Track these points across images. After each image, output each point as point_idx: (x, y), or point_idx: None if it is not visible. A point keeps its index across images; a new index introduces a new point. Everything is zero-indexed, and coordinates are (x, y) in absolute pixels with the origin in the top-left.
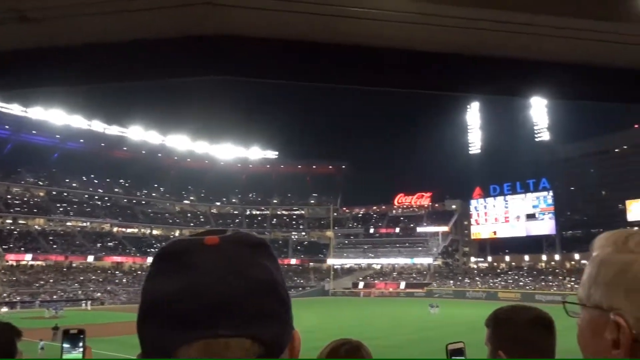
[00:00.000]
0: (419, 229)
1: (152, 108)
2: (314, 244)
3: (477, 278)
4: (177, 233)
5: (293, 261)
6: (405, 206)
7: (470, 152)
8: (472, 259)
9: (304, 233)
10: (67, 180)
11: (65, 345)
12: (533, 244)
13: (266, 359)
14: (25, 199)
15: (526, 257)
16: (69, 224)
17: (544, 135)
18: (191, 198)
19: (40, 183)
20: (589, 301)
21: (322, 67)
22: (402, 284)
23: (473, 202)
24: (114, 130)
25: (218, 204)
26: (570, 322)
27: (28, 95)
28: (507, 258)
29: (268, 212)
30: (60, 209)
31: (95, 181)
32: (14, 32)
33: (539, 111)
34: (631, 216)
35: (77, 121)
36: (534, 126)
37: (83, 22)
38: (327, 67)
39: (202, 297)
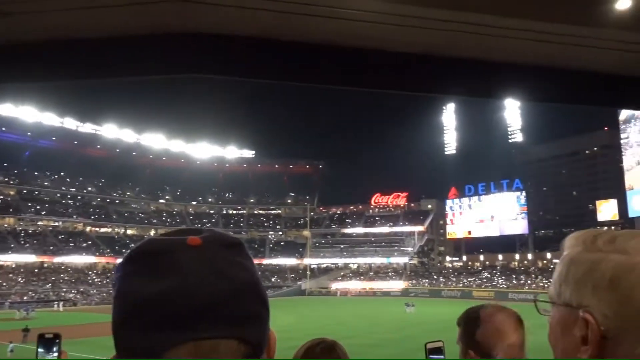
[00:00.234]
0: (395, 229)
1: (127, 106)
2: (291, 244)
3: (452, 277)
4: (152, 233)
5: (270, 261)
6: (381, 206)
7: (446, 153)
8: (448, 258)
9: (280, 233)
10: (39, 179)
11: (40, 350)
12: (507, 243)
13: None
14: None
15: (500, 257)
16: (40, 223)
17: (518, 137)
18: (167, 197)
19: (11, 182)
20: (559, 299)
21: (296, 66)
22: (379, 284)
23: (448, 202)
24: (87, 128)
25: (194, 203)
26: (543, 320)
27: None
28: (482, 257)
29: (245, 211)
30: (32, 209)
31: (68, 180)
32: None
33: (512, 113)
34: (601, 216)
35: (49, 118)
36: (507, 127)
37: (52, 18)
38: (301, 66)
39: (190, 298)
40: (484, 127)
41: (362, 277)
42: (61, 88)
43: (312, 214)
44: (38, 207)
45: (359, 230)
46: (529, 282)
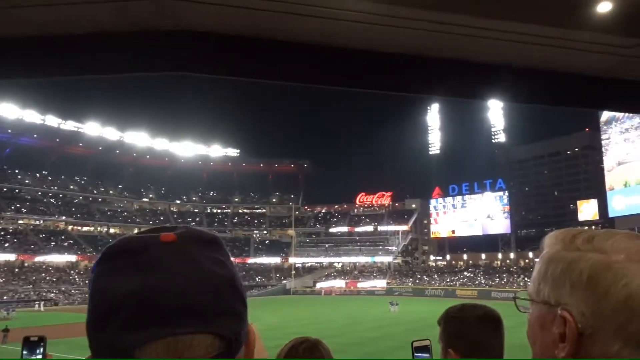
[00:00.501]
0: (380, 228)
1: (110, 103)
2: (276, 243)
3: (436, 276)
4: (135, 231)
5: (254, 260)
6: (366, 205)
7: (430, 153)
8: (431, 257)
9: (265, 232)
10: (20, 177)
11: (25, 352)
12: (489, 242)
13: (226, 357)
14: None
15: (483, 256)
16: (21, 222)
17: (501, 137)
18: (150, 196)
19: None
20: (538, 297)
21: (278, 65)
22: (363, 283)
23: (432, 202)
24: (69, 125)
25: (178, 202)
26: (524, 319)
27: None
28: (465, 256)
29: (229, 210)
30: (12, 207)
31: (49, 178)
32: None
33: (496, 113)
34: (582, 216)
35: (31, 115)
36: (491, 128)
37: (32, 13)
38: (284, 65)
39: (164, 295)
40: (467, 127)
41: (346, 276)
42: (43, 85)
43: (296, 213)
44: (18, 205)
45: (344, 229)
46: (511, 280)
